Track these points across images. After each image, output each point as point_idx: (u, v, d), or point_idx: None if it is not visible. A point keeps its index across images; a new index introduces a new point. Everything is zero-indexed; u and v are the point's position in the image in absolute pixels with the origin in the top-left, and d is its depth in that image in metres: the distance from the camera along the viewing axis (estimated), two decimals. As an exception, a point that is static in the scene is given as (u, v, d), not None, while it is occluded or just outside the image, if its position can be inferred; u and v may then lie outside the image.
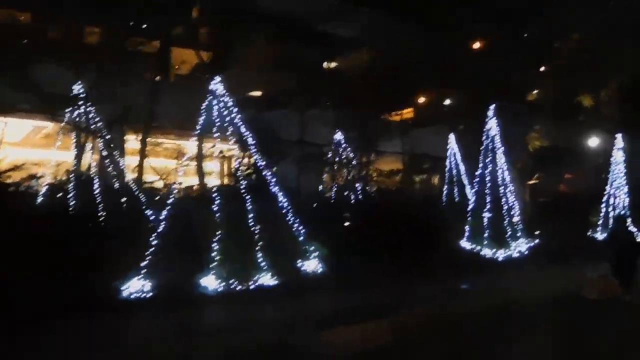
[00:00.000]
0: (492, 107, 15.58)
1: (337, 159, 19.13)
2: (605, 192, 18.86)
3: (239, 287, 9.45)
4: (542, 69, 20.93)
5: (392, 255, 11.91)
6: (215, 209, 10.01)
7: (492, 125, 15.68)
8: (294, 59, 22.36)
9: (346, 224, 13.66)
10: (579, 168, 20.81)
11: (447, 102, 25.22)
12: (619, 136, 19.32)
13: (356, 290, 9.95)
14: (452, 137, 21.87)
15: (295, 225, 11.30)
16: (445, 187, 22.01)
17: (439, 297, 9.66)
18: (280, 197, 11.45)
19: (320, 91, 20.95)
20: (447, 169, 22.15)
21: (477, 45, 21.73)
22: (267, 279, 9.90)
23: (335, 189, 17.90)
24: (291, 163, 18.85)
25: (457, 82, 21.64)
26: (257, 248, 10.11)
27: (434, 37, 22.03)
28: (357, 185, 18.25)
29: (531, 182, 20.86)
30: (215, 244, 9.59)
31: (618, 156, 19.37)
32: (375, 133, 21.13)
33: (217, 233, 9.68)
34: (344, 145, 20.23)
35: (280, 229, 11.14)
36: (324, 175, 18.91)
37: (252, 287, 9.62)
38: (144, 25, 19.54)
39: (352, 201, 16.59)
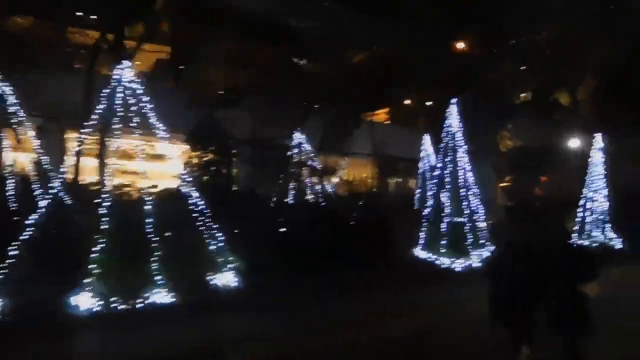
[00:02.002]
0: (453, 101, 14.17)
1: (291, 159, 17.65)
2: (583, 196, 17.41)
3: (121, 307, 7.92)
4: (515, 65, 19.50)
5: (330, 267, 10.48)
6: (105, 213, 8.50)
7: (454, 122, 14.27)
8: (254, 56, 20.99)
9: (282, 230, 12.16)
10: (556, 170, 19.38)
11: (416, 101, 23.80)
12: (597, 136, 17.93)
13: (268, 310, 8.42)
14: (426, 138, 20.52)
15: (212, 233, 9.82)
16: (419, 190, 20.66)
17: (365, 316, 8.17)
18: (196, 201, 9.97)
19: (281, 89, 19.52)
20: (420, 171, 20.88)
21: (447, 42, 20.28)
22: (162, 296, 8.39)
23: (282, 192, 16.39)
24: (240, 164, 17.40)
25: (427, 80, 20.24)
26: (154, 259, 8.61)
27: (402, 35, 20.69)
28: (306, 188, 16.82)
29: (503, 184, 19.40)
30: (96, 254, 8.07)
31: (597, 157, 17.96)
32: (338, 132, 19.68)
33: (101, 242, 8.17)
34: (303, 145, 18.87)
35: (191, 237, 9.65)
36: (275, 177, 17.37)
37: (139, 306, 8.09)
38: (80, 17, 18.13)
39: (293, 205, 15.07)
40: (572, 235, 16.29)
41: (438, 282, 10.93)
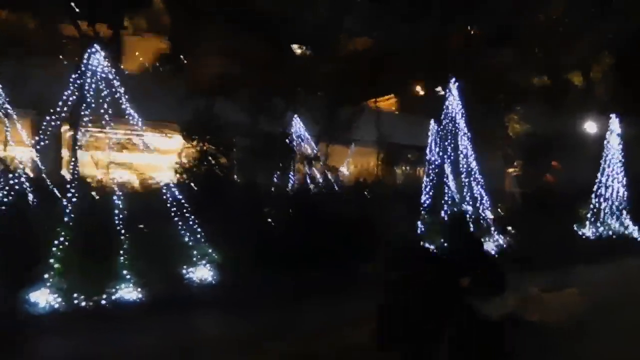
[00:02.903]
0: (452, 83, 13.35)
1: (289, 149, 17.03)
2: (597, 182, 16.34)
3: (84, 304, 7.43)
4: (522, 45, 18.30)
5: (318, 264, 9.79)
6: (71, 206, 8.03)
7: (454, 105, 13.46)
8: (253, 44, 20.32)
9: (269, 222, 11.55)
10: (569, 155, 18.31)
11: (422, 87, 22.87)
12: (613, 118, 16.79)
13: (242, 309, 7.77)
14: (433, 125, 19.68)
15: (190, 226, 9.27)
16: (426, 179, 19.89)
17: (341, 321, 7.46)
18: (175, 194, 9.47)
19: (278, 77, 18.85)
20: (428, 159, 20.07)
21: (451, 23, 19.17)
22: (130, 292, 7.89)
23: (279, 183, 15.77)
24: (236, 154, 16.81)
25: (430, 65, 19.28)
26: (123, 254, 8.11)
27: (404, 20, 19.76)
28: (305, 178, 16.20)
29: (511, 171, 18.42)
30: (57, 247, 7.59)
31: (613, 141, 16.85)
32: (340, 120, 18.95)
33: (62, 234, 7.69)
34: (302, 134, 18.26)
35: (167, 230, 9.13)
36: (271, 167, 16.74)
37: (104, 302, 7.60)
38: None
39: (286, 197, 14.42)
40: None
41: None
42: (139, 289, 7.92)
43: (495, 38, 16.80)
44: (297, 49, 21.65)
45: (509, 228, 13.80)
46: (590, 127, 19.07)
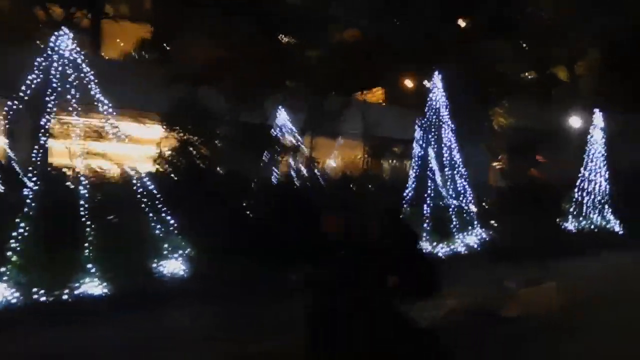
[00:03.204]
0: (438, 75, 13.10)
1: (272, 140, 16.73)
2: (580, 176, 16.25)
3: (45, 299, 7.07)
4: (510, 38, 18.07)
5: (298, 257, 9.47)
6: (29, 194, 7.64)
7: (438, 96, 13.22)
8: (239, 31, 19.85)
9: (248, 214, 11.23)
10: (555, 150, 18.20)
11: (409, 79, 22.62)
12: (597, 113, 16.68)
13: (210, 303, 7.47)
14: (420, 118, 19.44)
15: (162, 217, 8.92)
16: (413, 173, 19.70)
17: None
18: (146, 184, 9.10)
19: (263, 67, 18.46)
20: (415, 152, 19.88)
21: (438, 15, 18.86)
22: (95, 286, 7.53)
23: (260, 174, 15.45)
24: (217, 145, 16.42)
25: (416, 57, 18.99)
26: (89, 245, 7.75)
27: (394, 12, 19.42)
28: (288, 170, 15.93)
29: (495, 165, 18.31)
30: (17, 238, 7.20)
31: (597, 136, 16.76)
32: (325, 112, 18.63)
33: (23, 224, 7.30)
34: (286, 126, 17.93)
35: (137, 222, 8.78)
36: (253, 158, 16.40)
37: (67, 298, 7.24)
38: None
39: (266, 189, 14.12)
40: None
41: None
42: (105, 283, 7.57)
43: (487, 31, 16.55)
44: (285, 38, 21.22)
45: (492, 221, 13.66)
46: (575, 121, 18.99)
